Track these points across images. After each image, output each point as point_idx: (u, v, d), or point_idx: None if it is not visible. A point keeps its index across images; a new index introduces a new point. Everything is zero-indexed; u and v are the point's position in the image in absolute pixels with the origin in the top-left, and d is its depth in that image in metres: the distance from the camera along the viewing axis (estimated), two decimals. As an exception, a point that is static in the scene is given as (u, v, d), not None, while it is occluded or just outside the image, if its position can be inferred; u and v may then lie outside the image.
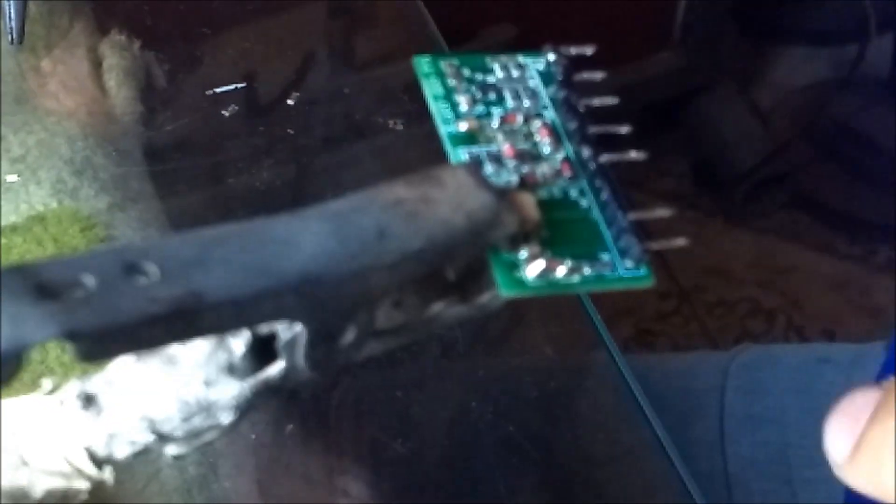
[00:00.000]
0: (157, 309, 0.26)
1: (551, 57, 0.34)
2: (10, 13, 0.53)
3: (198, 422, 0.30)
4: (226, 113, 0.53)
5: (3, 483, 0.29)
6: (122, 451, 0.30)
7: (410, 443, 0.46)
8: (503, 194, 0.30)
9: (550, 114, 0.33)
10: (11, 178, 0.53)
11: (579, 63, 0.34)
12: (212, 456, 0.45)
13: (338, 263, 0.28)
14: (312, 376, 0.30)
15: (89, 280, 0.26)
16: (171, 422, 0.30)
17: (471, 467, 0.47)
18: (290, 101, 0.54)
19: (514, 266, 0.30)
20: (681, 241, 0.31)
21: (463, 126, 0.32)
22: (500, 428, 0.46)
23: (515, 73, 0.34)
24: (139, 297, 0.26)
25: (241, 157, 0.53)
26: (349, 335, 0.29)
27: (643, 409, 0.51)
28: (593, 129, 0.32)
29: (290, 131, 0.54)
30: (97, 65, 0.59)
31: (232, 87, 0.54)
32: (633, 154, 0.32)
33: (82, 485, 0.30)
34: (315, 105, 0.55)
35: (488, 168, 0.31)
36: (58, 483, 0.30)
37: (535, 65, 0.34)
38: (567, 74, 0.33)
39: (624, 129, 0.32)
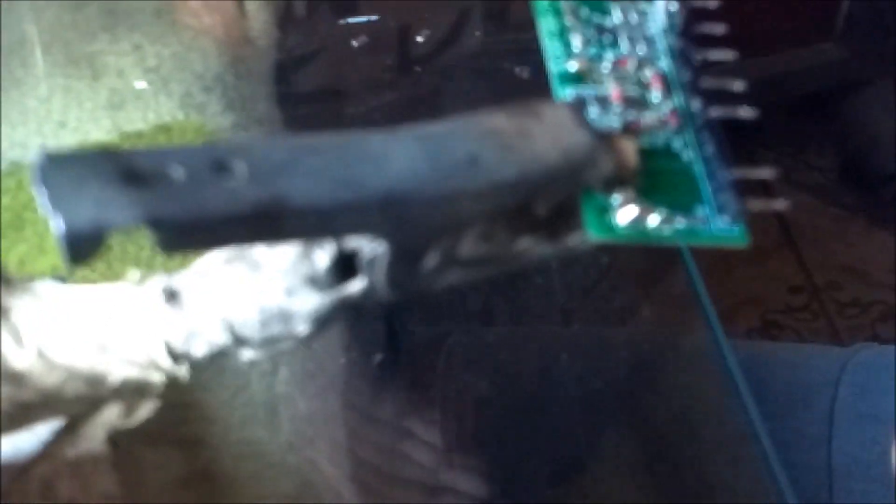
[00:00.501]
0: (240, 208, 0.26)
1: (672, 6, 0.33)
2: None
3: (275, 329, 0.30)
4: (355, 43, 0.54)
5: (82, 366, 0.29)
6: (199, 350, 0.30)
7: (500, 391, 0.46)
8: (602, 136, 0.30)
9: (665, 63, 0.32)
10: (141, 84, 0.54)
11: (703, 16, 0.33)
12: (300, 376, 0.45)
13: (426, 185, 0.28)
14: (391, 296, 0.30)
15: (178, 172, 0.26)
16: (250, 326, 0.30)
17: (555, 421, 0.47)
18: (419, 38, 0.54)
19: (606, 210, 0.30)
20: (780, 204, 0.30)
21: (573, 65, 0.32)
22: (588, 385, 0.46)
23: (634, 19, 0.33)
24: (224, 194, 0.26)
25: (364, 89, 0.53)
26: (431, 260, 0.29)
27: (741, 392, 0.50)
28: (707, 83, 0.32)
29: (417, 69, 0.54)
30: (239, -14, 0.60)
31: (364, 18, 0.54)
32: (743, 111, 0.31)
33: (158, 377, 0.30)
34: (445, 46, 0.55)
35: (593, 110, 0.31)
36: (134, 373, 0.30)
37: (655, 12, 0.33)
38: (687, 25, 0.33)
39: (737, 86, 0.32)
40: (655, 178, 0.30)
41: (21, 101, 0.53)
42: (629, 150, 0.30)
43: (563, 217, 0.30)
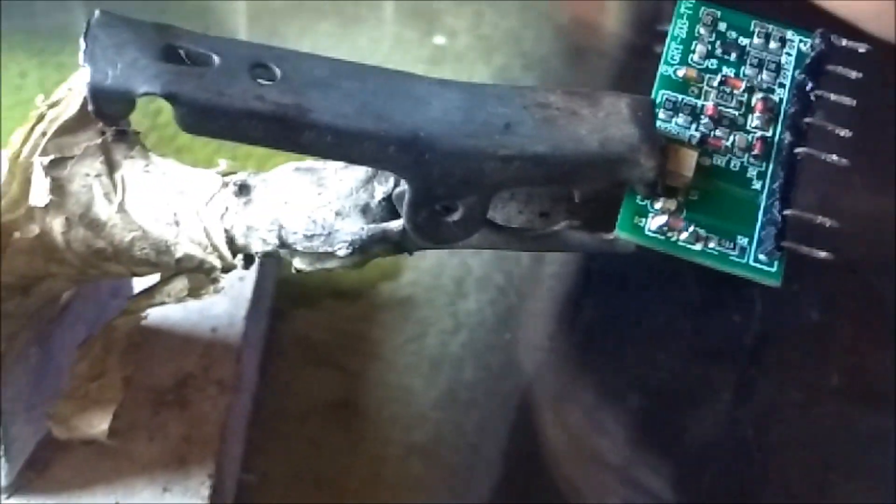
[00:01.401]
0: (259, 107, 0.28)
1: (817, 40, 0.32)
2: None
3: (316, 244, 0.32)
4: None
5: (154, 232, 0.32)
6: (255, 245, 0.33)
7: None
8: (658, 140, 0.30)
9: (782, 93, 0.31)
10: (440, 40, 0.57)
11: (850, 59, 0.32)
12: (479, 344, 0.46)
13: (452, 136, 0.29)
14: (418, 240, 0.31)
15: (215, 60, 0.29)
16: (295, 234, 0.32)
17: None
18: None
19: (643, 212, 0.30)
20: (822, 254, 0.29)
21: (682, 72, 0.32)
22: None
23: (773, 45, 0.32)
24: (249, 90, 0.28)
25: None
26: (457, 213, 0.30)
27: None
28: (809, 120, 0.31)
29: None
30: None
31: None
32: (834, 157, 0.30)
33: (216, 262, 0.33)
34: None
35: (682, 118, 0.31)
36: (197, 252, 0.33)
37: (798, 43, 0.32)
38: (818, 60, 0.32)
39: (843, 132, 0.30)
40: (714, 199, 0.30)
41: (354, 37, 0.57)
42: (686, 160, 0.30)
43: (604, 210, 0.30)
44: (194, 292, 0.34)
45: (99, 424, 0.35)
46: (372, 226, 0.31)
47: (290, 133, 0.28)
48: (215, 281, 0.34)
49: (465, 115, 0.29)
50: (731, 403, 0.44)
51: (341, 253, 0.32)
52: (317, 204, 0.32)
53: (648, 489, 0.44)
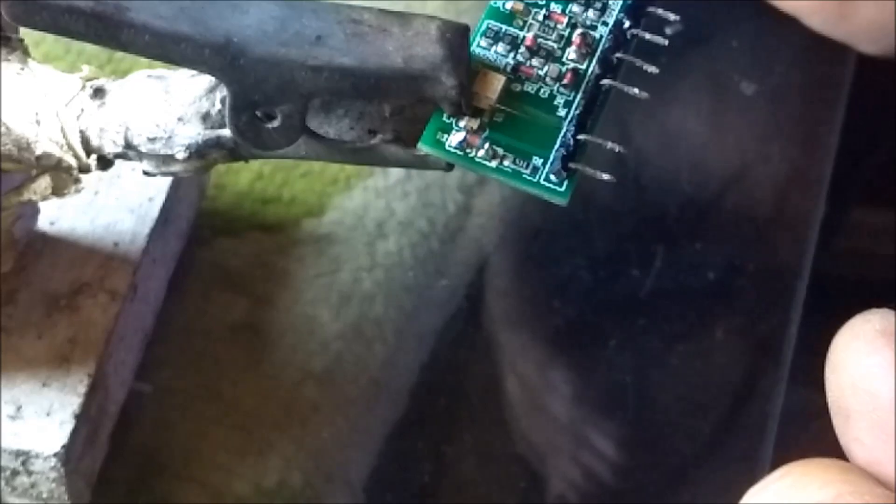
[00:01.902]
0: (80, 3, 0.30)
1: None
2: None
3: (158, 146, 0.34)
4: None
5: (17, 130, 0.35)
6: (107, 147, 0.35)
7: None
8: (462, 61, 0.31)
9: (602, 31, 0.33)
10: None
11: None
12: (398, 285, 0.48)
13: (265, 44, 0.31)
14: (244, 146, 0.33)
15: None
16: (140, 136, 0.34)
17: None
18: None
19: (448, 129, 0.31)
20: (606, 176, 0.30)
21: (509, 5, 0.33)
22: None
23: (604, -14, 0.34)
24: (73, -12, 0.30)
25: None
26: (276, 120, 0.32)
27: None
28: (620, 55, 0.32)
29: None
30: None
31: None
32: (636, 91, 0.31)
33: (72, 161, 0.35)
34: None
35: (501, 47, 0.32)
36: (54, 150, 0.35)
37: (625, -14, 0.34)
38: (641, 3, 0.33)
39: (651, 69, 0.32)
40: (518, 122, 0.31)
41: None
42: (493, 83, 0.31)
43: (414, 126, 0.32)
44: (58, 191, 0.36)
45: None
46: (208, 131, 0.33)
47: (109, 30, 0.30)
48: (77, 181, 0.36)
49: (280, 24, 0.31)
50: (614, 351, 0.45)
51: (180, 156, 0.33)
52: (162, 109, 0.34)
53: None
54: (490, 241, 0.51)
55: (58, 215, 0.43)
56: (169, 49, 0.30)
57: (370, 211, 0.50)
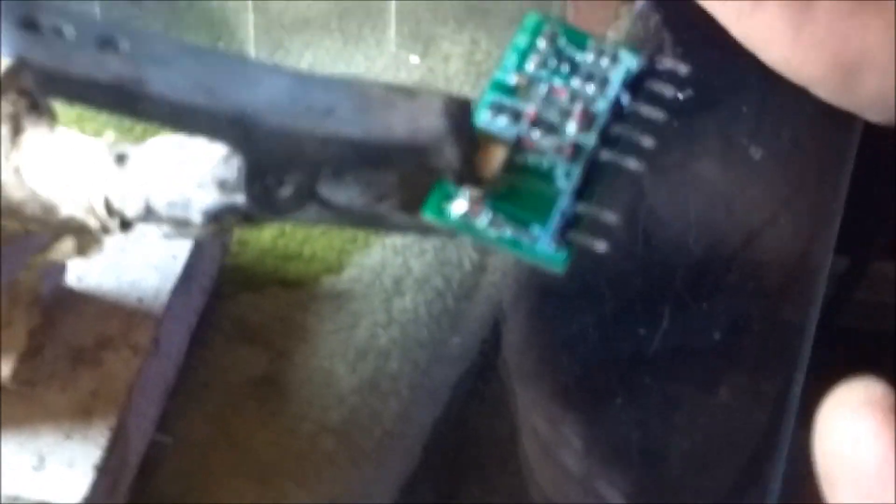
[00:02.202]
0: (100, 75, 0.32)
1: (641, 60, 0.35)
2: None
3: (177, 212, 0.35)
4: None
5: (42, 193, 0.36)
6: (129, 211, 0.36)
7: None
8: (465, 134, 0.32)
9: (602, 105, 0.34)
10: (415, 59, 0.60)
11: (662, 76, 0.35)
12: (411, 339, 0.49)
13: (277, 116, 0.32)
14: (257, 212, 0.34)
15: (69, 31, 0.32)
16: (159, 202, 0.36)
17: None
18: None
19: (448, 198, 0.33)
20: (601, 246, 0.32)
21: (513, 79, 0.35)
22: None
23: (604, 62, 0.35)
24: (94, 60, 0.32)
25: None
26: (286, 189, 0.33)
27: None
28: (617, 129, 0.34)
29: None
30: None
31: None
32: (631, 163, 0.33)
33: (95, 224, 0.37)
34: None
35: (503, 120, 0.34)
36: (79, 213, 0.36)
37: (627, 61, 0.35)
38: (640, 78, 0.34)
39: (647, 142, 0.33)
40: (519, 192, 0.33)
41: (352, 54, 0.61)
42: (496, 154, 0.33)
43: (417, 195, 0.33)
44: (81, 252, 0.38)
45: (2, 370, 0.39)
46: (225, 197, 0.35)
47: (128, 101, 0.32)
48: (99, 242, 0.37)
49: (291, 98, 0.32)
50: (621, 408, 0.47)
51: (197, 221, 0.35)
52: (181, 175, 0.35)
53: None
54: (504, 298, 0.52)
55: (85, 272, 0.45)
56: (185, 120, 0.32)
57: (388, 268, 0.52)
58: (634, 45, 0.36)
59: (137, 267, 0.45)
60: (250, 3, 0.63)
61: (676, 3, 0.57)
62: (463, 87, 0.60)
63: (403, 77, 0.60)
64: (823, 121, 0.51)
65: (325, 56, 0.62)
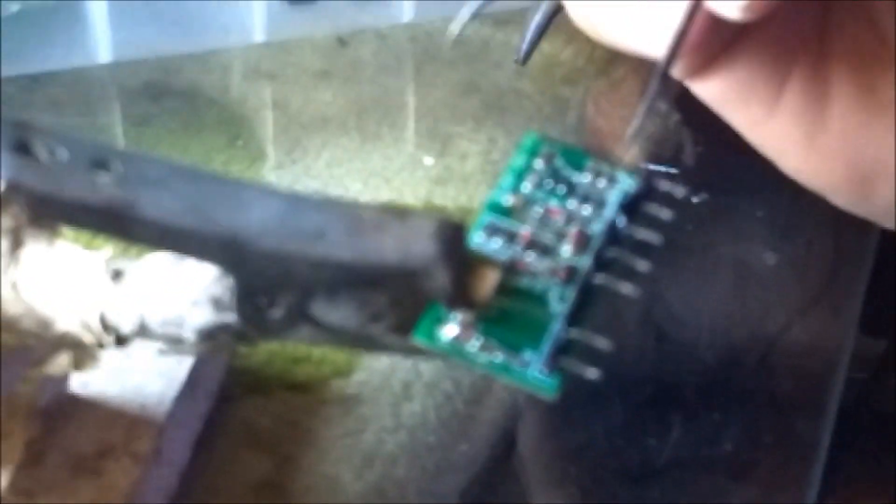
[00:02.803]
0: (93, 200, 0.32)
1: (639, 182, 0.34)
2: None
3: (170, 329, 0.35)
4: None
5: (39, 309, 0.36)
6: (124, 328, 0.36)
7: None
8: (456, 259, 0.32)
9: (598, 227, 0.34)
10: (429, 160, 0.60)
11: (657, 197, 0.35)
12: (419, 446, 0.49)
13: (268, 240, 0.32)
14: (248, 331, 0.34)
15: (63, 155, 0.32)
16: (153, 319, 0.35)
17: None
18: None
19: (439, 321, 0.32)
20: (593, 373, 0.31)
21: (508, 200, 0.34)
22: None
23: (601, 183, 0.35)
24: (87, 184, 0.32)
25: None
26: (278, 310, 0.33)
27: None
28: (613, 252, 0.33)
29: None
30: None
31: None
32: (626, 288, 0.32)
33: (90, 339, 0.36)
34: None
35: (497, 241, 0.33)
36: (75, 328, 0.36)
37: (624, 182, 0.35)
38: (635, 199, 0.34)
39: (642, 265, 0.33)
40: (512, 315, 0.32)
41: (369, 153, 0.61)
42: (488, 279, 0.32)
43: (410, 316, 0.33)
44: (77, 366, 0.37)
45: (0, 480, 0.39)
46: (219, 315, 0.34)
47: (119, 225, 0.32)
48: (94, 357, 0.37)
49: (282, 220, 0.32)
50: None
51: (191, 339, 0.35)
52: (176, 292, 0.35)
53: None
54: (514, 403, 0.52)
55: (90, 377, 0.45)
56: (176, 243, 0.32)
57: (397, 372, 0.51)
58: (635, 168, 0.35)
59: (142, 372, 0.45)
60: (269, 101, 0.64)
61: (696, 102, 0.57)
62: (479, 185, 0.60)
63: (419, 177, 0.60)
64: (839, 226, 0.51)
65: (343, 155, 0.62)
